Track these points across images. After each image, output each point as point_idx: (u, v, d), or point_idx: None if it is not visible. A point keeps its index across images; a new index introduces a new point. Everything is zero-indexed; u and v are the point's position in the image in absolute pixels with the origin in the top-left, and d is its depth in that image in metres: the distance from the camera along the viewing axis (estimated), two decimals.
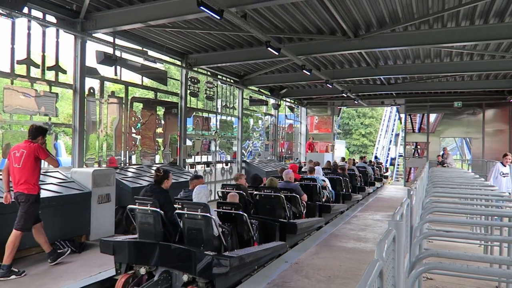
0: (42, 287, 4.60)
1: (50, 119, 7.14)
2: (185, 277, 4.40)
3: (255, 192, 6.62)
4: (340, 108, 20.50)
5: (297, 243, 6.74)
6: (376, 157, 22.82)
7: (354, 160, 15.49)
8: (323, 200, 8.49)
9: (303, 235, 7.11)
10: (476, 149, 16.55)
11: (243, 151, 14.97)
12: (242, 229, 5.21)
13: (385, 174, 19.89)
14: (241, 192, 6.22)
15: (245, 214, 5.16)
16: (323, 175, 9.60)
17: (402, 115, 20.11)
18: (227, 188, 6.68)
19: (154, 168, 9.24)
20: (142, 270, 4.59)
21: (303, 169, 10.80)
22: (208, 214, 4.35)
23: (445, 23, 8.10)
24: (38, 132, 5.25)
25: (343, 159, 14.05)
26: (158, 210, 4.51)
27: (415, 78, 14.07)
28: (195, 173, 10.47)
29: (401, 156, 23.36)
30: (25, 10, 6.41)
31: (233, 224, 5.18)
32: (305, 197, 7.41)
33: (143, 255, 4.61)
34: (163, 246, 4.51)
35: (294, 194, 6.98)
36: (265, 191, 6.51)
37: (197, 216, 4.41)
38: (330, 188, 9.26)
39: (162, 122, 10.19)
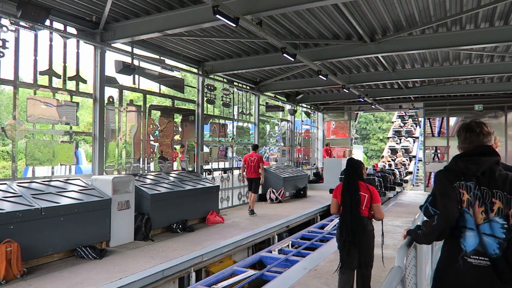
0: None
1: (71, 127, 7.29)
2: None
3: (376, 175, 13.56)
4: (357, 113, 20.30)
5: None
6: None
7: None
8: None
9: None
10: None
11: None
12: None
13: (405, 178, 19.92)
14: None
15: (381, 179, 13.22)
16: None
17: (421, 119, 19.78)
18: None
19: (173, 175, 9.34)
20: None
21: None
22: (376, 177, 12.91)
23: (464, 25, 7.97)
24: (257, 147, 10.96)
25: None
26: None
27: (433, 81, 13.85)
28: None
29: (421, 160, 22.96)
30: (47, 22, 6.60)
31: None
32: (392, 177, 14.82)
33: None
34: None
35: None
36: (380, 173, 14.05)
37: (371, 177, 12.47)
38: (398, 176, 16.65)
39: (180, 129, 10.29)
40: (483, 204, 1.94)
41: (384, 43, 8.51)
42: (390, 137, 30.20)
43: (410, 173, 23.18)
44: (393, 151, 27.33)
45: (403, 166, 23.15)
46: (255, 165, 10.36)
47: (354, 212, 4.09)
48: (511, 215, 1.87)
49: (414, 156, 26.46)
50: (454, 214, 2.01)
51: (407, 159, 25.31)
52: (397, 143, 27.75)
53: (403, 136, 28.11)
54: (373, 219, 4.23)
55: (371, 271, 4.26)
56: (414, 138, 27.57)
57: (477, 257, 1.88)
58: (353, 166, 4.32)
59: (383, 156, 27.50)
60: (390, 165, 20.40)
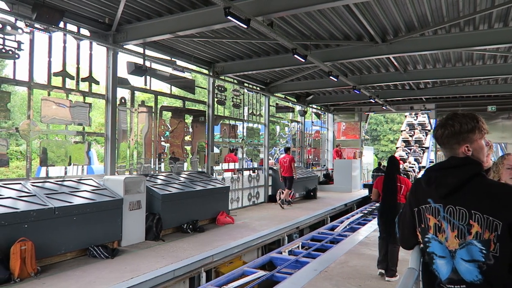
0: None
1: (83, 128, 7.38)
2: None
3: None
4: (368, 114, 20.19)
5: None
6: None
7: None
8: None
9: None
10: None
11: (270, 158, 14.97)
12: None
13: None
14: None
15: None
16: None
17: (433, 120, 19.59)
18: None
19: (184, 175, 9.37)
20: None
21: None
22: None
23: (477, 26, 7.88)
24: (289, 149, 12.97)
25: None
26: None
27: (445, 82, 13.70)
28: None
29: (432, 162, 22.74)
30: (61, 24, 6.69)
31: None
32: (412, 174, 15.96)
33: None
34: None
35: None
36: (403, 172, 13.48)
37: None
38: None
39: (190, 130, 10.34)
40: (457, 227, 1.67)
41: (396, 44, 8.45)
42: (407, 115, 31.25)
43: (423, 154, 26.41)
44: (411, 126, 29.46)
45: (418, 146, 26.39)
46: (288, 165, 12.17)
47: (393, 198, 5.28)
48: (492, 240, 1.58)
49: (430, 130, 27.86)
50: (407, 242, 1.97)
51: (423, 135, 28.10)
52: (414, 120, 29.74)
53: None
54: None
55: (399, 249, 5.34)
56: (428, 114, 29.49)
57: (453, 286, 1.70)
58: (394, 162, 5.61)
59: (402, 131, 30.07)
60: (408, 141, 26.51)
